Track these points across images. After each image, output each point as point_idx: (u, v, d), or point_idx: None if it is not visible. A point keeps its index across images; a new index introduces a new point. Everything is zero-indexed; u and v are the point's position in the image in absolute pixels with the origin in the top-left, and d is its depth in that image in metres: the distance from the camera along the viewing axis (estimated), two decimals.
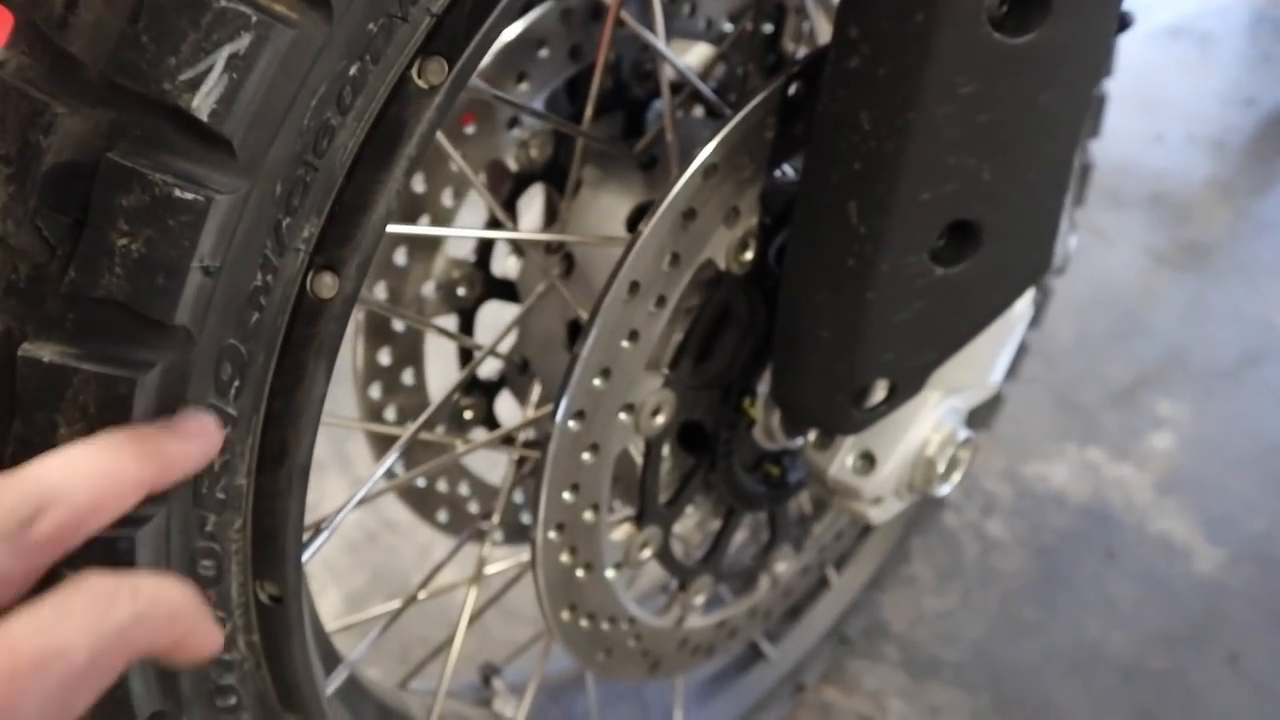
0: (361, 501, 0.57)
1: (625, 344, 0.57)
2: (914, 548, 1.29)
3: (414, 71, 0.43)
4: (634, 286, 0.56)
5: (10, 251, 0.39)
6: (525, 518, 0.90)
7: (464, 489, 0.84)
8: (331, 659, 0.63)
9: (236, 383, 0.43)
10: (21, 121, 0.38)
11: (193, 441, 0.41)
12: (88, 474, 0.36)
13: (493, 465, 1.01)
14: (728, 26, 0.84)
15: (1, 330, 0.40)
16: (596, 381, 0.57)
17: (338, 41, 0.40)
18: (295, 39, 0.38)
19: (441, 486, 0.82)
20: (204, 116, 0.37)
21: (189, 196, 0.38)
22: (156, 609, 0.35)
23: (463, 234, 0.72)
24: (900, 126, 0.55)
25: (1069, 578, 1.29)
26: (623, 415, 0.60)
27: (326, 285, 0.44)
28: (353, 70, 0.41)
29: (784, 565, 0.87)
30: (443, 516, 0.83)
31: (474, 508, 0.85)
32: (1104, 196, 1.82)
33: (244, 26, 0.37)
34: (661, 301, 0.58)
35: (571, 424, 0.57)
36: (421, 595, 0.74)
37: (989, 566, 1.31)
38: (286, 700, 0.54)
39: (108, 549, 0.42)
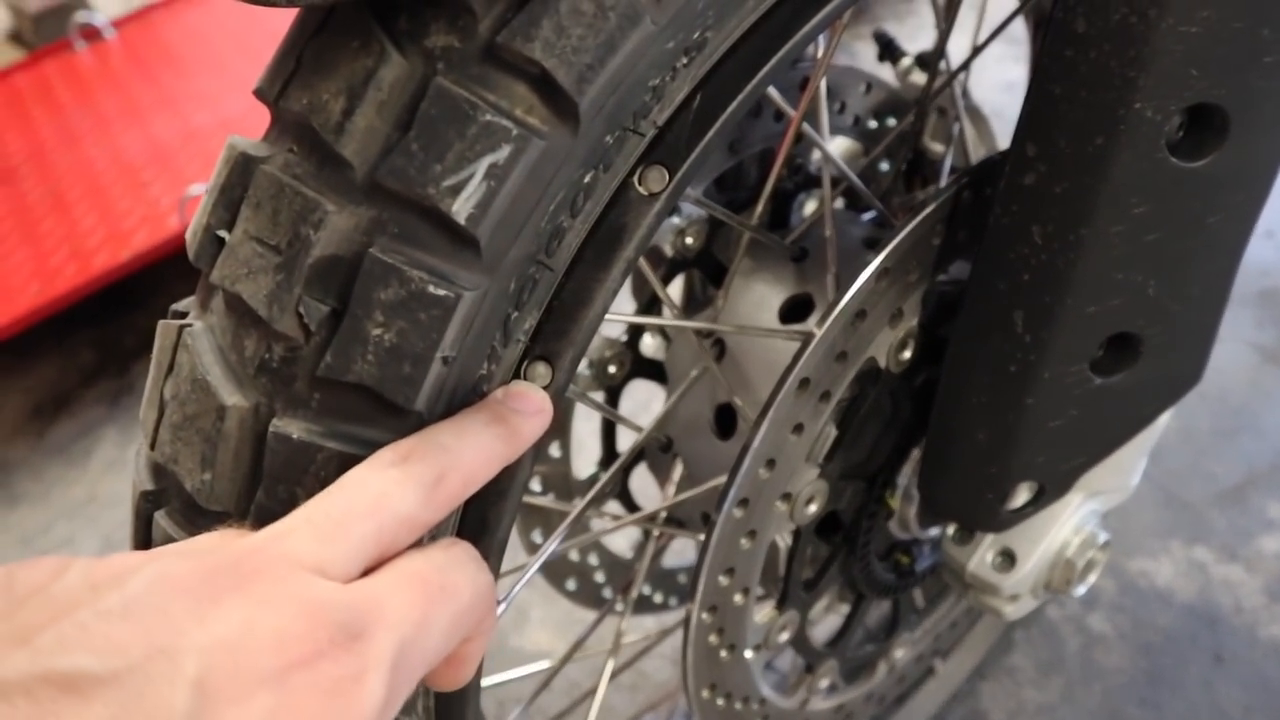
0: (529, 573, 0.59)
1: (791, 436, 0.59)
2: (1016, 638, 1.28)
3: (635, 178, 0.46)
4: (804, 382, 0.58)
5: (268, 333, 0.42)
6: (646, 588, 0.92)
7: (593, 558, 0.86)
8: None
9: None
10: (294, 216, 0.41)
11: (536, 418, 0.45)
12: (474, 447, 0.41)
13: (617, 534, 1.03)
14: (871, 123, 0.87)
15: (251, 405, 0.43)
16: (762, 472, 0.59)
17: (579, 152, 0.43)
18: (545, 150, 0.41)
19: (573, 555, 0.84)
20: (462, 220, 0.40)
21: (441, 293, 0.41)
22: (491, 596, 0.41)
23: (659, 322, 0.75)
24: (1072, 242, 0.56)
25: (1175, 679, 1.27)
26: (780, 504, 0.62)
27: (540, 375, 0.46)
28: (587, 178, 0.44)
29: (902, 652, 0.88)
30: (571, 584, 0.85)
31: (600, 577, 0.87)
32: None
33: (505, 139, 0.40)
34: (826, 397, 0.60)
35: (736, 511, 0.59)
36: (533, 665, 0.76)
37: (1091, 661, 1.29)
38: None
39: None
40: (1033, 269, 0.58)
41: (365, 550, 0.37)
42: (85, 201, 1.90)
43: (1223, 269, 0.62)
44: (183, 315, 0.48)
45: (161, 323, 0.47)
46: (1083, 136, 0.54)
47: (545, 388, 0.46)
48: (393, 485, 0.38)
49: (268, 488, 0.43)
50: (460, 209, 0.40)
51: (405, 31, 0.42)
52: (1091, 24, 0.53)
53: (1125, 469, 0.72)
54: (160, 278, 1.77)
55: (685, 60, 0.45)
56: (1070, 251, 0.57)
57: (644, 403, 1.51)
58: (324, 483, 0.42)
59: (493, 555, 0.49)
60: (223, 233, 0.45)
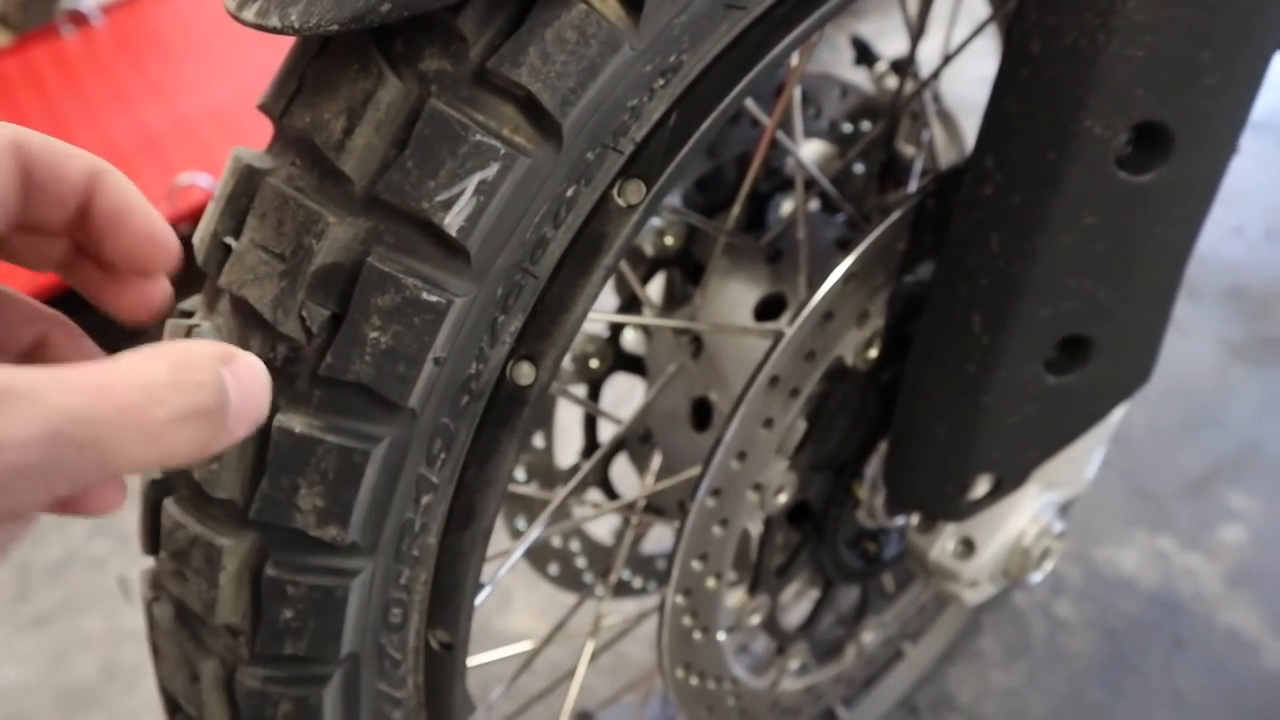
0: (510, 559, 0.62)
1: (761, 430, 0.63)
2: (983, 623, 1.32)
3: (615, 191, 0.49)
4: (774, 380, 0.61)
5: (273, 335, 0.46)
6: (626, 573, 0.96)
7: (574, 545, 0.90)
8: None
9: (442, 455, 0.49)
10: (298, 227, 0.45)
11: None
12: None
13: (598, 521, 1.07)
14: (847, 127, 0.90)
15: None
16: (734, 464, 0.63)
17: (562, 168, 0.46)
18: (531, 167, 0.45)
19: (556, 542, 0.88)
20: (453, 232, 0.44)
21: (433, 299, 0.44)
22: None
23: (636, 320, 0.78)
24: (1026, 250, 0.60)
25: (1136, 663, 1.31)
26: (751, 494, 0.66)
27: (524, 374, 0.50)
28: (570, 192, 0.47)
29: (871, 635, 0.92)
30: (554, 569, 0.89)
31: (581, 562, 0.91)
32: (1181, 288, 1.84)
33: (493, 157, 0.44)
34: (795, 393, 0.64)
35: (709, 501, 0.63)
36: (515, 646, 0.79)
37: (1057, 646, 1.33)
38: None
39: (325, 594, 0.48)
40: (990, 274, 0.61)
41: None
42: None
43: (1168, 275, 0.65)
44: (188, 314, 0.51)
45: (170, 321, 0.51)
46: (1037, 151, 0.58)
47: (530, 385, 0.50)
48: None
49: (272, 478, 0.46)
50: (452, 222, 0.44)
51: (401, 55, 0.45)
52: (1045, 46, 0.56)
53: (1080, 462, 0.76)
54: None
55: (662, 82, 0.48)
56: (1025, 259, 0.60)
57: (626, 392, 1.54)
58: (324, 474, 0.46)
59: (479, 542, 0.52)
60: (229, 239, 0.48)
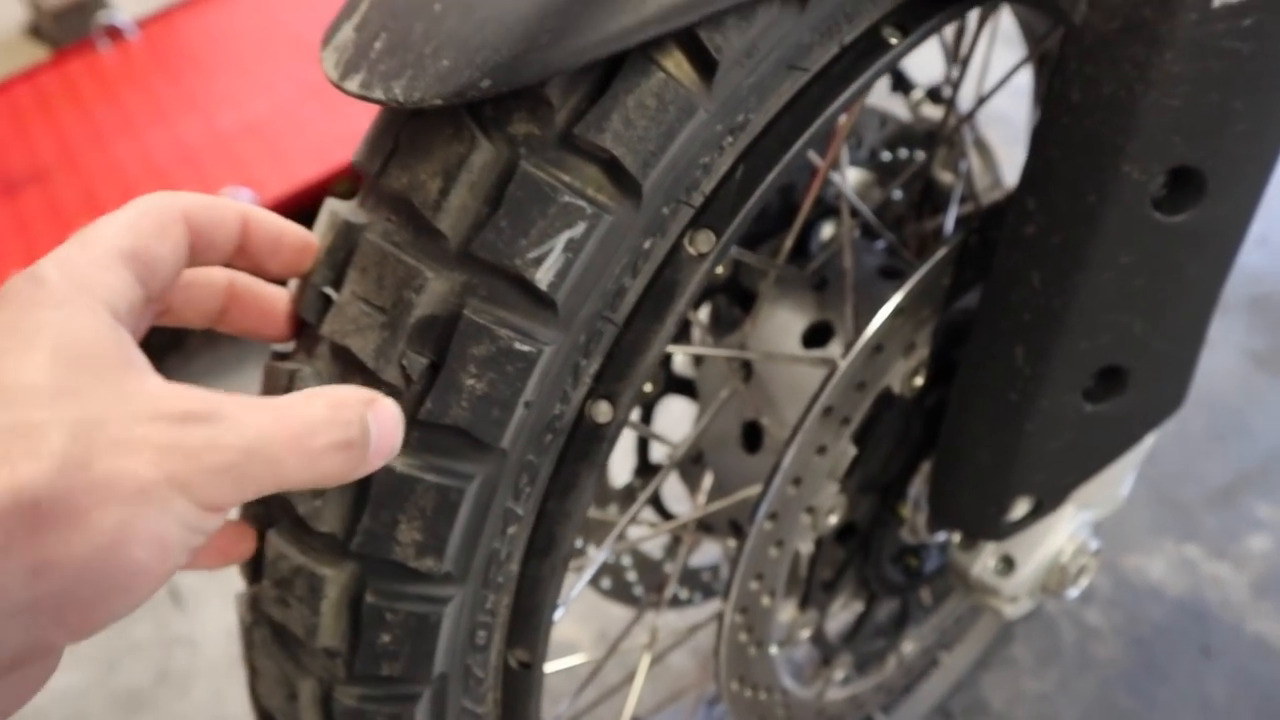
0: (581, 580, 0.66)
1: (815, 457, 0.66)
2: (1015, 631, 1.35)
3: (686, 241, 0.53)
4: (828, 410, 0.65)
5: (374, 381, 0.49)
6: (673, 587, 0.99)
7: (625, 560, 0.93)
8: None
9: (527, 489, 0.53)
10: (397, 281, 0.48)
11: None
12: None
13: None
14: (885, 155, 0.94)
15: None
16: (790, 489, 0.66)
17: (641, 224, 0.49)
18: (614, 224, 0.48)
19: (609, 558, 0.91)
20: (544, 287, 0.47)
21: (525, 348, 0.48)
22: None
23: (695, 351, 0.81)
24: (1067, 287, 0.63)
25: (1164, 670, 1.34)
26: (805, 516, 0.69)
27: (603, 412, 0.53)
28: (647, 245, 0.51)
29: (911, 645, 0.95)
30: (606, 584, 0.92)
31: (631, 576, 0.94)
32: None
33: (580, 217, 0.47)
34: (846, 421, 0.67)
35: (766, 524, 0.66)
36: (571, 659, 0.83)
37: (1087, 653, 1.36)
38: None
39: (420, 620, 0.52)
40: (1032, 310, 0.65)
41: None
42: (118, 203, 1.95)
43: (1200, 309, 0.68)
44: (284, 356, 0.55)
45: (270, 364, 0.54)
46: (1077, 194, 0.61)
47: (608, 423, 0.53)
48: None
49: (373, 513, 0.50)
50: (543, 277, 0.47)
51: (491, 119, 0.48)
52: (1085, 95, 0.59)
53: (1114, 483, 0.79)
54: None
55: (731, 139, 0.52)
56: (1065, 295, 0.63)
57: (665, 407, 1.58)
58: (422, 510, 0.50)
59: (558, 568, 0.56)
60: (327, 289, 0.51)
